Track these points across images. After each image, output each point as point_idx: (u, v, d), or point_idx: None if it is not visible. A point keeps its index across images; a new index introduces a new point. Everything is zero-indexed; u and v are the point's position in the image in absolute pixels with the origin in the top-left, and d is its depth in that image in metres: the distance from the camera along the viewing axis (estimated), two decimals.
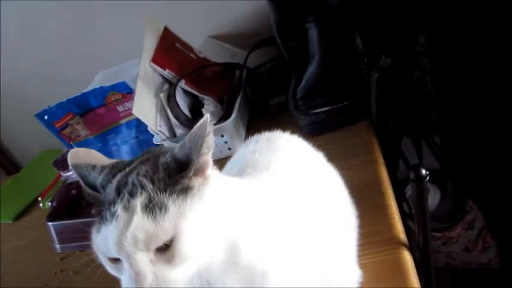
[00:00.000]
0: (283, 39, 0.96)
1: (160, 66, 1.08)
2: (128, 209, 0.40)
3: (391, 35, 1.02)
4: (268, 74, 1.19)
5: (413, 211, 0.81)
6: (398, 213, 0.81)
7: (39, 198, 1.22)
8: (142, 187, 0.41)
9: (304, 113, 1.02)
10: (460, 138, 1.24)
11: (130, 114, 1.12)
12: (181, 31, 1.19)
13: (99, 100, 1.11)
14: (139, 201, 0.40)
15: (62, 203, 1.10)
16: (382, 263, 0.72)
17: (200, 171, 0.44)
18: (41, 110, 1.13)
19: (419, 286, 0.70)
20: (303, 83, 0.99)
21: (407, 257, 0.72)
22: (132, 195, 0.41)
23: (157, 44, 1.11)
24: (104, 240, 0.41)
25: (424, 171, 0.66)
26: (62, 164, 1.20)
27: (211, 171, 0.46)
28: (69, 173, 1.20)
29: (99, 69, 1.28)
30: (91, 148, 1.15)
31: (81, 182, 0.46)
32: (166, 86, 1.13)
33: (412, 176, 0.66)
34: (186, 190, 0.42)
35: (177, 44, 1.16)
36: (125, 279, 0.41)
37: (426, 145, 1.13)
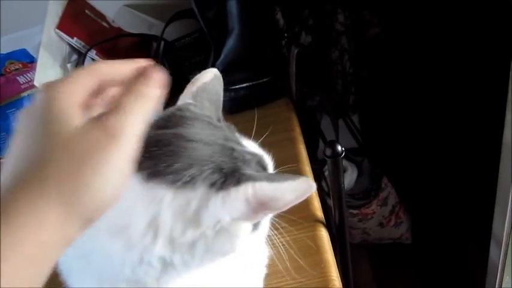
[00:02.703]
0: (200, 10, 0.91)
1: (68, 33, 0.99)
2: None
3: (311, 11, 1.00)
4: (188, 48, 1.13)
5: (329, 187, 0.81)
6: (316, 191, 0.81)
7: None
8: None
9: (223, 89, 0.98)
10: (376, 117, 1.27)
11: (34, 86, 1.02)
12: None
13: None
14: None
15: None
16: (299, 240, 0.71)
17: None
18: None
19: (335, 262, 0.70)
20: (222, 57, 0.95)
21: (324, 234, 0.72)
22: None
23: (64, 9, 1.01)
24: None
25: (340, 148, 0.66)
26: None
27: None
28: None
29: None
30: None
31: None
32: (74, 56, 1.04)
33: (328, 152, 0.66)
34: None
35: (87, 11, 1.06)
36: None
37: (344, 124, 1.15)
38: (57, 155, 0.29)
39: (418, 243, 1.43)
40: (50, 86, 0.32)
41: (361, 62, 1.11)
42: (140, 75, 0.35)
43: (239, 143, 0.44)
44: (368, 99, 1.21)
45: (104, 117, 0.31)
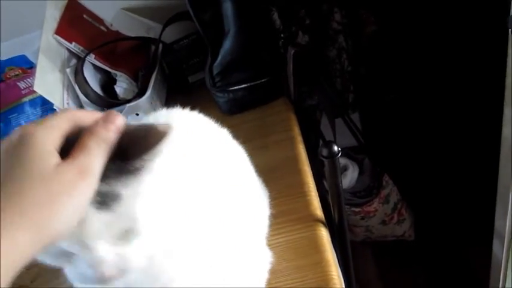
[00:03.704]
0: (196, 13, 0.92)
1: (66, 38, 1.00)
2: None
3: (308, 11, 1.00)
4: (186, 49, 1.13)
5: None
6: (316, 190, 0.81)
7: None
8: None
9: (222, 90, 0.98)
10: (376, 114, 1.27)
11: (34, 91, 1.03)
12: (91, 3, 1.10)
13: None
14: None
15: None
16: (299, 240, 0.72)
17: None
18: None
19: (336, 260, 0.70)
20: (219, 59, 0.95)
21: (324, 233, 0.72)
22: None
23: (62, 14, 1.01)
24: None
25: (336, 148, 0.66)
26: None
27: None
28: None
29: None
30: None
31: None
32: (74, 61, 1.04)
33: (324, 152, 0.66)
34: None
35: (85, 15, 1.07)
36: None
37: (344, 122, 1.15)
38: (36, 190, 0.33)
39: (422, 239, 1.43)
40: (32, 131, 0.36)
41: (359, 60, 1.10)
42: (103, 119, 0.39)
43: None
44: (368, 97, 1.20)
45: (76, 159, 0.36)
